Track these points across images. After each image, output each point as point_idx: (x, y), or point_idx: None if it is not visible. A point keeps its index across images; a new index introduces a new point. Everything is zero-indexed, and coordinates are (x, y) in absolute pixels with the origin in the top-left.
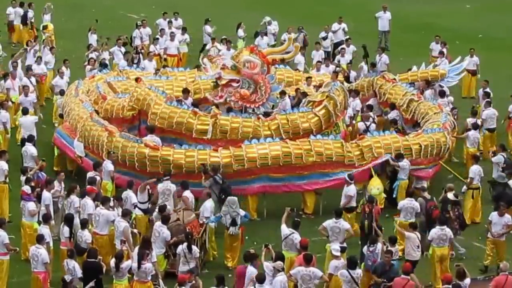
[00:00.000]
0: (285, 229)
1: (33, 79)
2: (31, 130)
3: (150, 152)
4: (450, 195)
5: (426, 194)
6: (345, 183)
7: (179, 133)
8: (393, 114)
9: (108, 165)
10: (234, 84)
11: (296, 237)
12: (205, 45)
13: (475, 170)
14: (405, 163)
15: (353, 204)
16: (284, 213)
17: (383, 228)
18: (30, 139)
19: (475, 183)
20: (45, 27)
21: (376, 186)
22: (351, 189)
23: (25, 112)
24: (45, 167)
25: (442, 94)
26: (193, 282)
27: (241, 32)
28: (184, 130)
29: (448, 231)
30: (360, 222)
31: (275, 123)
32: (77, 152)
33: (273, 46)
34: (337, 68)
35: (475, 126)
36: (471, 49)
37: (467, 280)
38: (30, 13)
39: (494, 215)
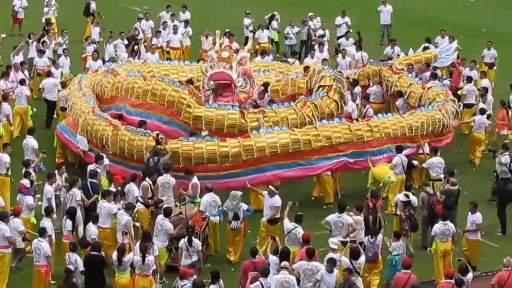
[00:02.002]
0: (287, 224)
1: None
2: (51, 91)
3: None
4: (401, 196)
5: (428, 189)
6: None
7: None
8: (400, 102)
9: (104, 160)
10: (238, 85)
11: (299, 231)
12: (247, 37)
13: (433, 161)
14: (397, 158)
15: (278, 216)
16: (286, 207)
17: (386, 223)
18: (30, 131)
19: (435, 175)
20: (48, 20)
21: (389, 174)
22: (276, 200)
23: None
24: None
25: (434, 76)
26: (195, 277)
27: (275, 24)
28: (237, 131)
29: (451, 226)
30: (364, 216)
31: (309, 110)
32: (80, 146)
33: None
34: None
35: (482, 111)
36: (488, 42)
37: (470, 275)
38: (93, 4)
39: (469, 214)
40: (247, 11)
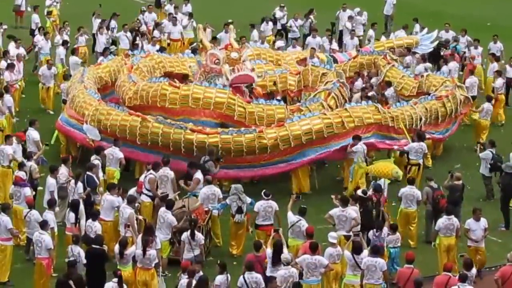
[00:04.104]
0: (291, 216)
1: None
2: (76, 69)
3: (198, 138)
4: (359, 192)
5: (432, 183)
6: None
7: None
8: (389, 92)
9: (117, 153)
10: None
11: (303, 224)
12: (279, 30)
13: (415, 146)
14: (359, 146)
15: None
16: (290, 200)
17: (389, 216)
18: (32, 123)
19: (414, 159)
20: (49, 13)
21: (395, 169)
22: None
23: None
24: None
25: (423, 59)
26: (201, 273)
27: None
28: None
29: (455, 220)
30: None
31: (333, 103)
32: (90, 136)
33: (278, 31)
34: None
35: (489, 99)
36: (495, 36)
37: (474, 271)
38: None
39: (471, 222)
40: (282, 4)
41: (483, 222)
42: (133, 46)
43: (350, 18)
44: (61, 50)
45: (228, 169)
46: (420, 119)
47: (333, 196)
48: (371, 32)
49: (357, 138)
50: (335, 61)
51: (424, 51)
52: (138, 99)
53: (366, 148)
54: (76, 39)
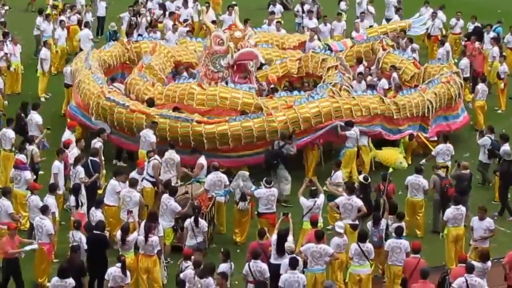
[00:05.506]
0: (306, 202)
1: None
2: (87, 43)
3: (206, 129)
4: (360, 177)
5: (440, 172)
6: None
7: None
8: (395, 75)
9: (150, 136)
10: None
11: (320, 202)
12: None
13: (441, 148)
14: (353, 131)
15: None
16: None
17: (398, 205)
18: (35, 107)
19: (441, 161)
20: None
21: (400, 159)
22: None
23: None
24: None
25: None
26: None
27: (343, 5)
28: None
29: (463, 210)
30: (374, 200)
31: (347, 94)
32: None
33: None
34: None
35: (483, 79)
36: (511, 27)
37: (489, 263)
38: None
39: (475, 220)
40: None
41: (487, 222)
42: (130, 27)
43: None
44: (59, 32)
45: (241, 158)
46: (431, 105)
47: (306, 179)
48: (371, 9)
49: (349, 124)
50: (330, 50)
51: (417, 33)
52: (163, 99)
53: (359, 133)
54: (68, 18)
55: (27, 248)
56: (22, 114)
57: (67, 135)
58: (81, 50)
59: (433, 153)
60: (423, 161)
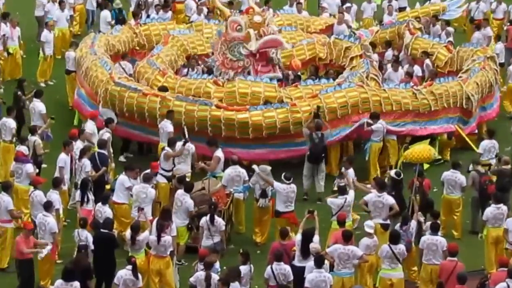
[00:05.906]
0: (334, 200)
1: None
2: (105, 25)
3: (225, 115)
4: (392, 173)
5: (480, 168)
6: None
7: None
8: (428, 62)
9: (167, 126)
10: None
11: (350, 199)
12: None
13: (486, 144)
14: (379, 124)
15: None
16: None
17: (434, 202)
18: (38, 94)
19: (485, 159)
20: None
21: (433, 150)
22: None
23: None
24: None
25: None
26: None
27: None
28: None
29: (504, 209)
30: (408, 197)
31: (375, 83)
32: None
33: None
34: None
35: None
36: None
37: None
38: None
39: (509, 222)
40: None
41: None
42: (138, 7)
43: None
44: (58, 13)
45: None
46: (471, 97)
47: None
48: None
49: (375, 117)
50: (358, 39)
51: (452, 16)
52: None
53: (386, 127)
54: None
55: (45, 251)
56: (19, 92)
57: (90, 125)
58: (99, 32)
59: (479, 150)
60: (470, 167)
